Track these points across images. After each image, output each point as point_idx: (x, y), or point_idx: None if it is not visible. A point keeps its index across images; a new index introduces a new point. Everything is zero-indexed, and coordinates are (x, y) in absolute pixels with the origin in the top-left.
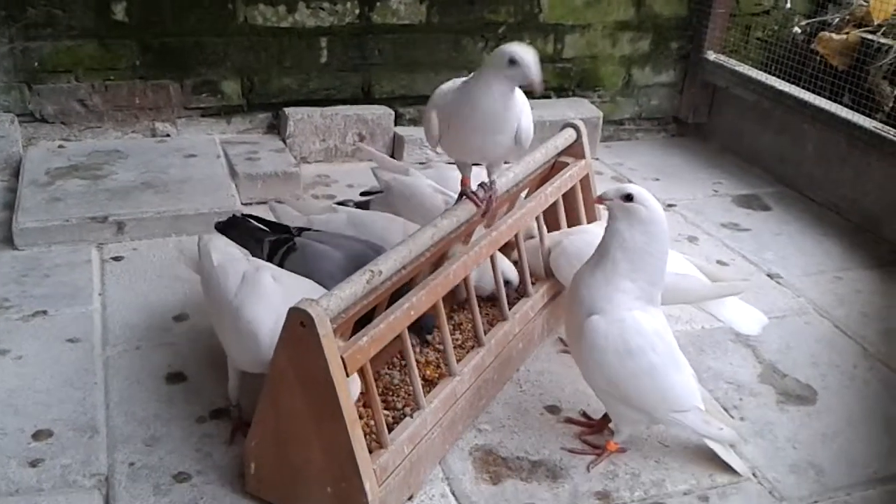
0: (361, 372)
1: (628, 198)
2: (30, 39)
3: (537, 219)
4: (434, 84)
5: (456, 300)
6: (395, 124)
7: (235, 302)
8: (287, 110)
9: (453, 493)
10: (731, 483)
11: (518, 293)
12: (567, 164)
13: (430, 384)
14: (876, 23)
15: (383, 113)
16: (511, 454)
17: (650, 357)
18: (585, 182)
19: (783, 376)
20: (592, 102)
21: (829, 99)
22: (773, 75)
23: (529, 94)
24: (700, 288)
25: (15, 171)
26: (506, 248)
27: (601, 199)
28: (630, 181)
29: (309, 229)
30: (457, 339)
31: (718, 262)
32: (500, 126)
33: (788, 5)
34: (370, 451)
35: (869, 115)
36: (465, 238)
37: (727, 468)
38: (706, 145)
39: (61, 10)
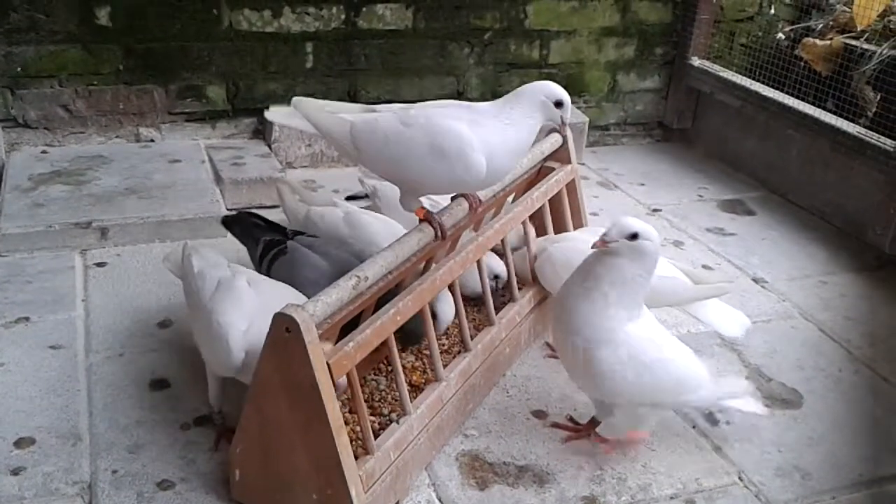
0: (347, 377)
1: (633, 237)
2: (13, 44)
3: (524, 223)
4: (420, 89)
5: None
6: None
7: (209, 306)
8: None
9: (440, 499)
10: (717, 487)
11: (504, 298)
12: (553, 169)
13: (416, 389)
14: (859, 28)
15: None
16: (498, 459)
17: (663, 359)
18: (572, 187)
19: (769, 380)
20: (578, 108)
21: (813, 104)
22: (758, 81)
23: None
24: (683, 290)
25: None
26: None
27: (605, 243)
28: (616, 186)
29: (303, 233)
30: (443, 344)
31: (704, 266)
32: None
33: (772, 11)
34: (356, 458)
35: (852, 121)
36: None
37: (713, 472)
38: (691, 150)
39: (44, 15)
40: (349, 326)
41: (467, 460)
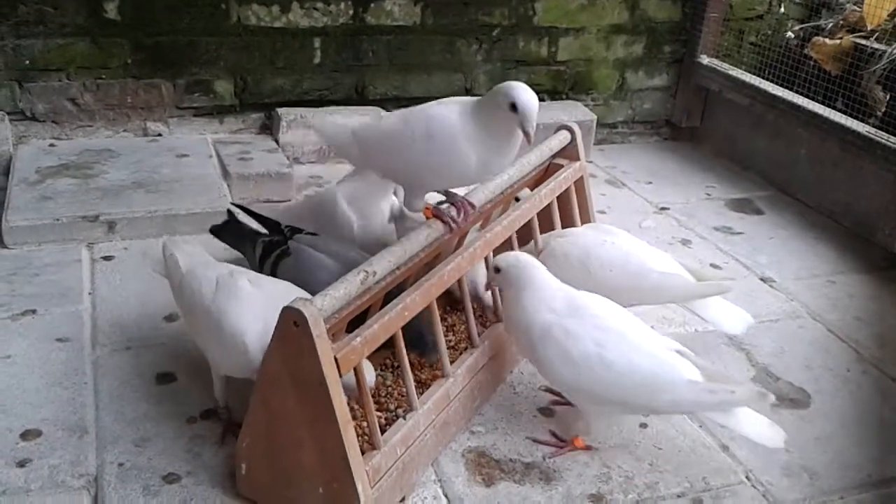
0: (354, 373)
1: (497, 270)
2: (21, 37)
3: (531, 221)
4: (428, 85)
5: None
6: None
7: (214, 309)
8: (280, 110)
9: (446, 496)
10: (724, 486)
11: None
12: (561, 167)
13: (423, 385)
14: (869, 28)
15: (376, 114)
16: (504, 456)
17: (600, 354)
18: (580, 184)
19: (776, 380)
20: (586, 105)
21: (823, 103)
22: (767, 80)
23: None
24: (685, 287)
25: (5, 169)
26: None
27: (489, 287)
28: (624, 184)
29: (301, 231)
30: (450, 341)
31: (712, 265)
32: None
33: (782, 10)
34: (363, 453)
35: (862, 120)
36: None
37: (721, 471)
38: (699, 149)
39: (53, 8)
40: (356, 322)
41: (474, 457)
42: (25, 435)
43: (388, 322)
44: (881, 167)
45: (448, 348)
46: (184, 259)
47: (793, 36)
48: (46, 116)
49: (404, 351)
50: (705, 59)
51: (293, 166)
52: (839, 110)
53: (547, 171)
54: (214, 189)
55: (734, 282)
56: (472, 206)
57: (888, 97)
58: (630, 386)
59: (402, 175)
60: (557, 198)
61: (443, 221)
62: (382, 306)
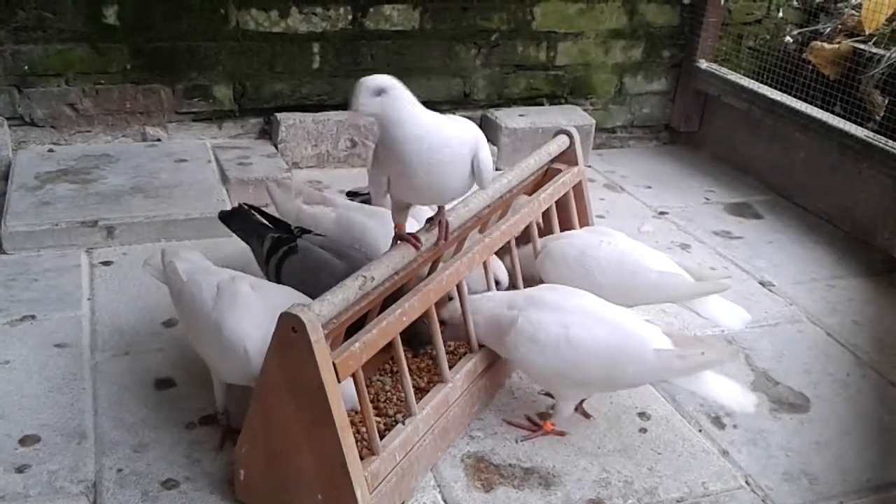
0: (353, 378)
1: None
2: (20, 42)
3: (529, 225)
4: (427, 90)
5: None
6: None
7: (215, 315)
8: (279, 115)
9: (445, 501)
10: (724, 491)
11: None
12: (560, 171)
13: (422, 391)
14: (867, 32)
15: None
16: (503, 461)
17: (565, 333)
18: (578, 189)
19: (776, 384)
20: (585, 110)
21: (821, 108)
22: (765, 84)
23: None
24: (684, 286)
25: (4, 174)
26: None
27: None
28: (623, 189)
29: (310, 231)
30: (449, 346)
31: (711, 269)
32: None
33: (780, 15)
34: (361, 458)
35: (860, 124)
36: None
37: (720, 475)
38: (698, 153)
39: (52, 14)
40: (355, 327)
41: (473, 462)
42: (24, 441)
43: (387, 327)
44: (879, 171)
45: (447, 353)
46: (183, 266)
47: (791, 40)
48: (45, 122)
49: (403, 356)
50: (704, 64)
51: (292, 171)
52: (837, 115)
53: (545, 175)
54: (213, 194)
55: (733, 286)
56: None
57: (886, 101)
58: (597, 361)
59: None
60: (556, 202)
61: (408, 242)
62: (381, 311)
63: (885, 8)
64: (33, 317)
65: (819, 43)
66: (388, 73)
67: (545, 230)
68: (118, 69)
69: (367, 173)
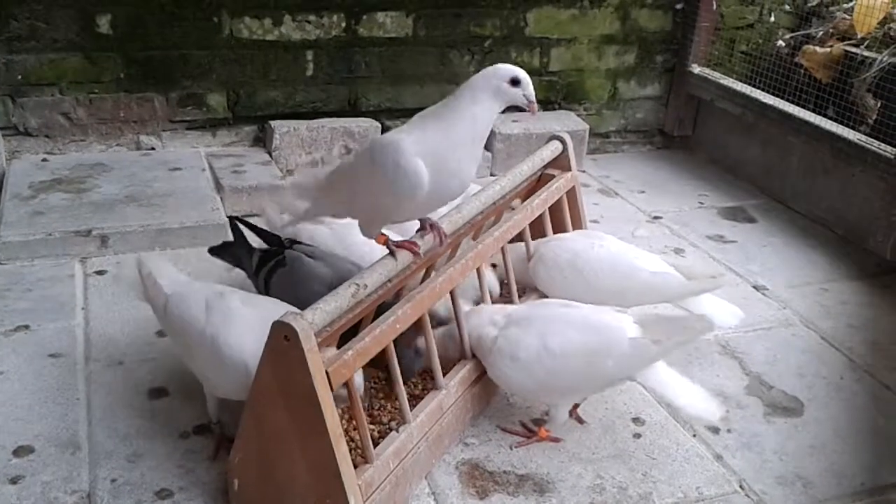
0: (346, 386)
1: (416, 353)
2: (13, 52)
3: (523, 231)
4: (421, 97)
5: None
6: None
7: (210, 332)
8: (273, 123)
9: None
10: (718, 495)
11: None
12: (553, 177)
13: (416, 398)
14: (859, 36)
15: (370, 126)
16: (498, 468)
17: (543, 343)
18: (572, 194)
19: (770, 388)
20: (578, 115)
21: (814, 112)
22: (758, 88)
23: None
24: (677, 286)
25: None
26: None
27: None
28: (616, 193)
29: (301, 242)
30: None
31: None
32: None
33: (773, 19)
34: (355, 467)
35: (853, 128)
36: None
37: (714, 480)
38: (691, 158)
39: (45, 23)
40: (348, 335)
41: (467, 469)
42: (18, 451)
43: (380, 335)
44: (872, 175)
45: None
46: (165, 282)
47: (783, 45)
48: (39, 131)
49: (396, 364)
50: (697, 69)
51: (286, 178)
52: (830, 118)
53: (539, 181)
54: (207, 202)
55: (726, 290)
56: (444, 234)
57: (879, 105)
58: (577, 363)
59: (360, 210)
60: (549, 208)
61: (408, 250)
62: (374, 318)
63: (876, 11)
64: (27, 327)
65: (811, 47)
66: (382, 80)
67: (539, 236)
68: (112, 78)
69: (354, 218)
